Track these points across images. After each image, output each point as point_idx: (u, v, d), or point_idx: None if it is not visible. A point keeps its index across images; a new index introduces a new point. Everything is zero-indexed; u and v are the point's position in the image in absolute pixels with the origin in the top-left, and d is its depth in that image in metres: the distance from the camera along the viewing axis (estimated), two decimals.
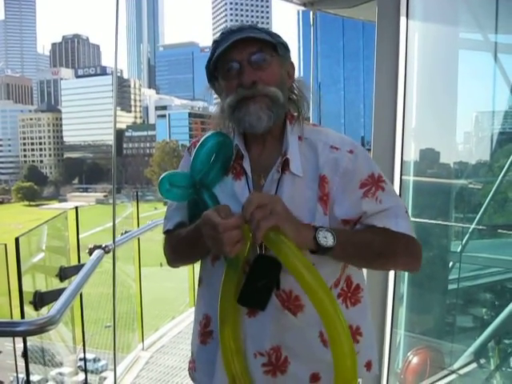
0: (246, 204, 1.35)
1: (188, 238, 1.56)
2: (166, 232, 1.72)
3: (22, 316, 2.91)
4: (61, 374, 6.05)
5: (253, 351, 1.52)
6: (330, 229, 1.41)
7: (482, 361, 3.53)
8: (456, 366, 3.56)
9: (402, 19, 3.14)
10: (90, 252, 3.50)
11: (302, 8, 4.92)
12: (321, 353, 1.52)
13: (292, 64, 1.61)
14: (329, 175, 1.51)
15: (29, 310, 3.08)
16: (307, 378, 1.54)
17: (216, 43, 1.54)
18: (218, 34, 1.58)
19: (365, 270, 1.74)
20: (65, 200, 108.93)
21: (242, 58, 1.49)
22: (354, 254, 1.48)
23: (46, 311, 2.96)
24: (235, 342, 1.48)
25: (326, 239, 1.36)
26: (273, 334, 1.51)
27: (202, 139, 1.59)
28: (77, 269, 3.17)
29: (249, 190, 1.55)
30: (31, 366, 5.12)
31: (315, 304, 1.32)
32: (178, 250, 1.64)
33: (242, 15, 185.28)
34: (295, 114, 1.61)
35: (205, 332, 1.65)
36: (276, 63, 1.53)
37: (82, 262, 4.02)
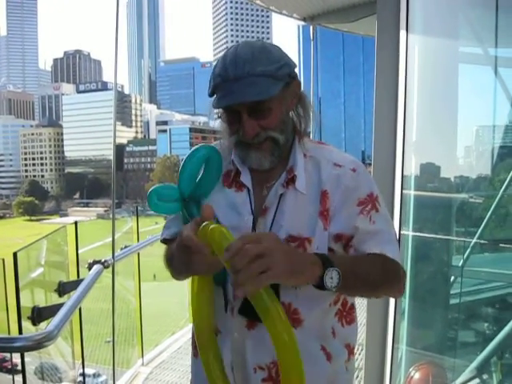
0: (237, 251, 1.18)
1: (175, 254, 1.50)
2: (164, 241, 1.70)
3: (20, 331, 2.89)
4: None
5: (253, 365, 1.50)
6: (337, 263, 1.33)
7: (485, 376, 3.50)
8: (458, 381, 3.52)
9: (402, 33, 3.14)
10: (90, 267, 3.48)
11: (302, 23, 4.95)
12: (323, 367, 1.51)
13: (298, 83, 1.54)
14: (330, 190, 1.50)
15: (27, 325, 3.06)
16: None
17: (213, 84, 1.46)
18: (216, 68, 1.48)
19: None
20: (66, 215, 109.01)
21: (241, 109, 1.45)
22: (354, 288, 1.44)
23: (45, 326, 2.94)
24: (217, 361, 1.46)
25: (332, 280, 1.30)
26: (271, 348, 1.49)
27: (189, 153, 1.57)
28: (76, 284, 3.14)
29: (250, 202, 1.53)
30: (33, 382, 5.10)
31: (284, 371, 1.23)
32: (172, 264, 1.60)
33: (242, 30, 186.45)
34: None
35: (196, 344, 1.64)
36: (277, 104, 1.48)
37: (81, 276, 4.00)
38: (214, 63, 1.53)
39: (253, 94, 1.41)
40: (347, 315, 1.59)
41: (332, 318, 1.55)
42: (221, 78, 1.43)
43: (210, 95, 1.49)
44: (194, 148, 1.58)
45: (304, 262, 1.30)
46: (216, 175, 1.58)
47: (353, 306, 1.62)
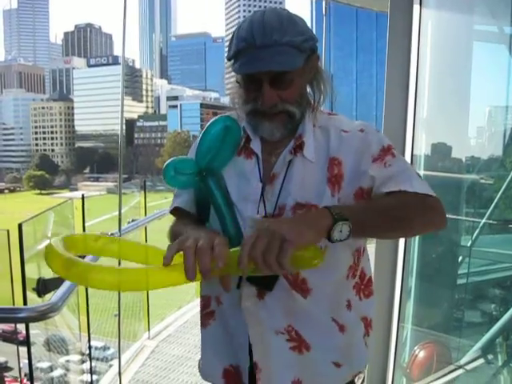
0: (250, 250, 1.18)
1: None
2: (175, 211, 1.68)
3: (25, 303, 2.91)
4: (68, 361, 6.10)
5: (272, 330, 1.50)
6: (346, 209, 1.32)
7: (490, 356, 3.50)
8: (463, 361, 3.53)
9: (416, 7, 3.10)
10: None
11: None
12: (334, 338, 1.52)
13: (317, 57, 1.53)
14: (340, 156, 1.49)
15: (34, 297, 3.08)
16: (330, 362, 1.54)
17: (236, 49, 1.43)
18: (240, 32, 1.44)
19: (372, 262, 1.72)
20: (76, 189, 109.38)
21: (263, 77, 1.44)
22: (372, 226, 1.39)
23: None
24: None
25: (341, 233, 1.28)
26: (283, 315, 1.49)
27: (208, 124, 1.56)
28: (82, 256, 3.15)
29: (259, 170, 1.54)
30: (39, 353, 5.16)
31: None
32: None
33: (255, 6, 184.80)
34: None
35: (205, 314, 1.64)
36: (298, 77, 1.47)
37: None
38: (237, 26, 1.49)
39: (280, 63, 1.40)
40: (365, 288, 1.59)
41: (349, 291, 1.55)
42: (246, 43, 1.41)
43: (230, 59, 1.48)
44: (213, 119, 1.57)
45: (312, 218, 1.30)
46: (234, 147, 1.57)
47: (370, 280, 1.62)
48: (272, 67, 1.41)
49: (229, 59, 1.49)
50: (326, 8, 4.60)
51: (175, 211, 1.68)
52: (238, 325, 1.53)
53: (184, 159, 1.63)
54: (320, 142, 1.53)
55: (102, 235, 1.50)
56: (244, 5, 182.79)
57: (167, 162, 1.57)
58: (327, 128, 1.54)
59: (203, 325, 1.65)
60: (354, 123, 1.56)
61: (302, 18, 1.49)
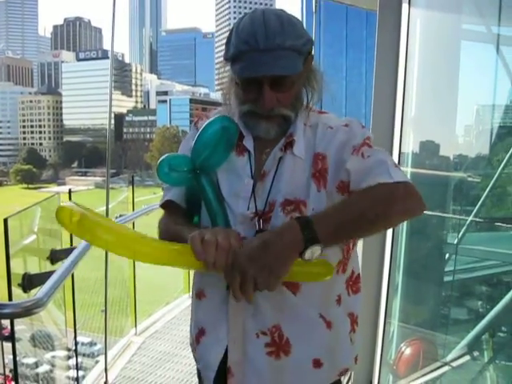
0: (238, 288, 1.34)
1: (179, 239, 1.49)
2: (166, 205, 1.68)
3: (10, 298, 2.89)
4: (54, 357, 6.08)
5: (255, 331, 1.50)
6: (321, 224, 1.33)
7: (476, 353, 3.52)
8: (449, 357, 3.55)
9: (404, 7, 3.10)
10: None
11: None
12: (321, 334, 1.53)
13: (312, 58, 1.54)
14: (324, 151, 1.50)
15: (20, 292, 3.06)
16: (310, 362, 1.53)
17: (238, 50, 1.43)
18: (240, 33, 1.44)
19: (360, 259, 1.73)
20: (64, 183, 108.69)
21: (264, 80, 1.44)
22: (350, 232, 1.41)
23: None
24: None
25: (312, 253, 1.32)
26: (272, 311, 1.50)
27: (206, 123, 1.56)
28: (68, 252, 3.13)
29: (250, 167, 1.55)
30: (25, 349, 5.14)
31: None
32: (170, 238, 1.56)
33: (245, 1, 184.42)
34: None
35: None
36: (297, 79, 1.48)
37: (74, 245, 4.00)
38: (235, 25, 1.49)
39: (283, 67, 1.42)
40: (353, 284, 1.60)
41: (340, 286, 1.56)
42: (248, 46, 1.41)
43: (229, 59, 1.48)
44: (211, 119, 1.57)
45: (283, 248, 1.33)
46: (229, 148, 1.57)
47: (359, 276, 1.63)
48: (276, 72, 1.42)
49: (227, 59, 1.49)
50: (315, 6, 4.60)
51: (166, 204, 1.68)
52: (218, 323, 1.54)
53: (178, 156, 1.62)
54: (309, 139, 1.54)
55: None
56: (234, 0, 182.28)
57: (161, 158, 1.56)
58: (316, 125, 1.56)
59: (198, 296, 1.65)
60: (340, 120, 1.57)
61: (299, 20, 1.50)
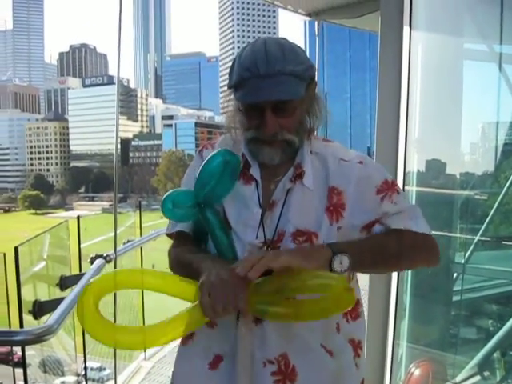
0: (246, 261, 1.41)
1: (189, 270, 1.51)
2: (173, 234, 1.69)
3: (21, 325, 2.90)
4: (64, 382, 6.05)
5: (262, 360, 1.50)
6: (345, 245, 1.44)
7: (486, 373, 3.49)
8: (459, 378, 3.51)
9: (406, 29, 3.13)
10: (92, 261, 3.49)
11: (308, 18, 4.94)
12: (325, 363, 1.53)
13: (315, 84, 1.58)
14: (341, 186, 1.53)
15: (31, 319, 3.07)
16: None
17: (240, 78, 1.47)
18: (242, 61, 1.48)
19: (367, 281, 1.74)
20: (71, 208, 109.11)
21: (266, 106, 1.46)
22: (370, 264, 1.52)
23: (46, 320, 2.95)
24: None
25: (342, 264, 1.39)
26: (278, 340, 1.50)
27: (208, 157, 1.56)
28: (77, 278, 3.16)
29: (258, 196, 1.56)
30: (35, 375, 5.12)
31: None
32: (180, 269, 1.59)
33: (248, 25, 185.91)
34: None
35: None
36: (299, 105, 1.51)
37: (83, 271, 4.01)
38: (238, 54, 1.53)
39: (283, 92, 1.45)
40: (352, 311, 1.60)
41: (337, 315, 1.55)
42: (250, 73, 1.44)
43: (232, 87, 1.51)
44: (213, 153, 1.57)
45: (311, 250, 1.44)
46: (233, 181, 1.58)
47: (358, 302, 1.63)
48: (276, 97, 1.45)
49: (230, 87, 1.52)
50: (318, 29, 4.66)
51: (176, 234, 1.69)
52: (228, 348, 1.53)
53: (181, 192, 1.63)
54: (318, 169, 1.56)
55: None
56: (238, 24, 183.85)
57: (165, 196, 1.57)
58: (324, 156, 1.57)
59: (183, 342, 1.65)
60: (351, 153, 1.60)
61: (301, 48, 1.53)
